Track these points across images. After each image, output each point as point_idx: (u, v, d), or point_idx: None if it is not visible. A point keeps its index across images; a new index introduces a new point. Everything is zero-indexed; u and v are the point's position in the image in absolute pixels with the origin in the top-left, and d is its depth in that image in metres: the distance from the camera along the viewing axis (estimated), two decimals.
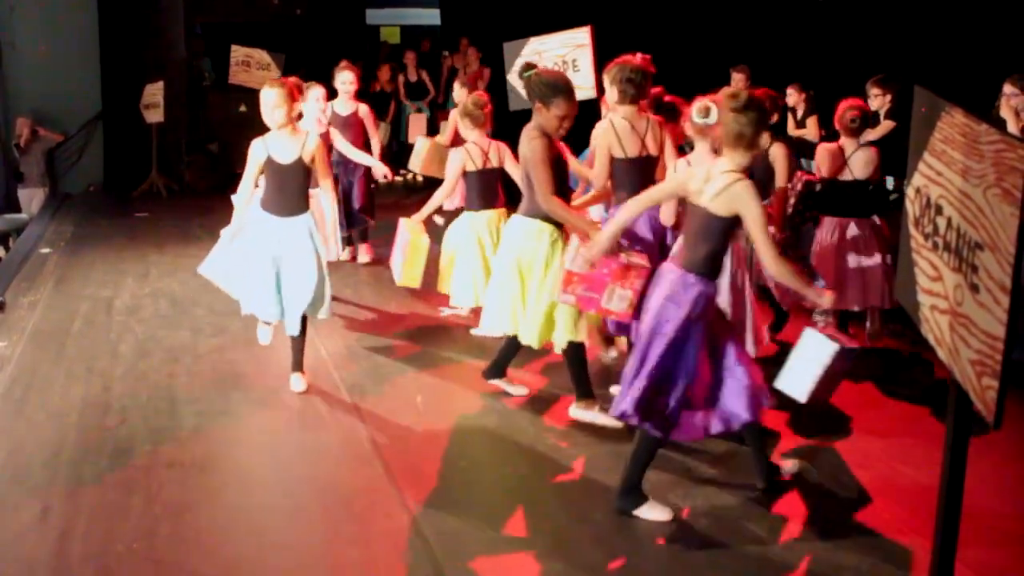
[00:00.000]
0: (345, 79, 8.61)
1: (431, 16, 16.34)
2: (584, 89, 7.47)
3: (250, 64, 11.79)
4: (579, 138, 6.22)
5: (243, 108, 12.80)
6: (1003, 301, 2.02)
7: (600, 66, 7.46)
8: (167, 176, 13.45)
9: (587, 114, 7.49)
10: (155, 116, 13.08)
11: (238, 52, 11.92)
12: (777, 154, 6.10)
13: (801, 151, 10.62)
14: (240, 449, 5.42)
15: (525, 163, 5.20)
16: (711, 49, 11.03)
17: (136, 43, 13.68)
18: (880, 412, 5.76)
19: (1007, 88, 7.23)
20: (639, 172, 5.57)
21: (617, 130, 5.60)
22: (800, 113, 10.76)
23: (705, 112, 5.12)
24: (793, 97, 10.78)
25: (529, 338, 5.42)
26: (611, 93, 5.73)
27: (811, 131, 10.55)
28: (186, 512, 4.57)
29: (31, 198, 13.21)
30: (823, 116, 10.85)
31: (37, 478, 4.89)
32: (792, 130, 10.82)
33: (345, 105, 8.68)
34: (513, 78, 7.79)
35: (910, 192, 2.73)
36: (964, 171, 2.29)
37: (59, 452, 5.18)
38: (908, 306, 2.73)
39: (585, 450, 5.16)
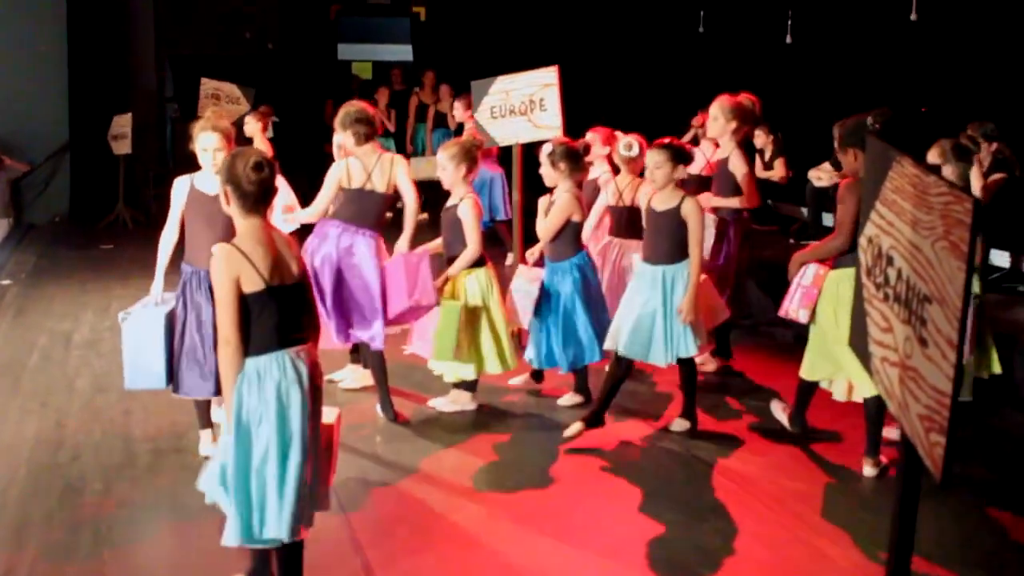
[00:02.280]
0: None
1: (403, 52, 16.39)
2: (551, 128, 7.49)
3: (220, 97, 11.74)
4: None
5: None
6: (950, 356, 1.99)
7: (566, 105, 7.52)
8: (134, 208, 13.34)
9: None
10: (123, 147, 12.99)
11: (208, 85, 11.88)
12: (689, 211, 5.71)
13: (768, 193, 10.70)
14: (194, 490, 5.32)
15: None
16: (679, 89, 11.10)
17: (106, 74, 13.62)
18: None
19: (969, 133, 7.30)
20: None
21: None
22: (768, 155, 10.84)
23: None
24: (761, 139, 10.85)
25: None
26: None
27: (778, 172, 10.63)
28: (135, 553, 4.48)
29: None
30: (791, 158, 10.94)
31: None
32: (760, 172, 10.86)
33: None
34: (481, 116, 7.79)
35: (863, 241, 2.71)
36: (914, 222, 2.28)
37: (7, 488, 5.09)
38: (860, 356, 2.71)
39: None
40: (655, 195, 5.81)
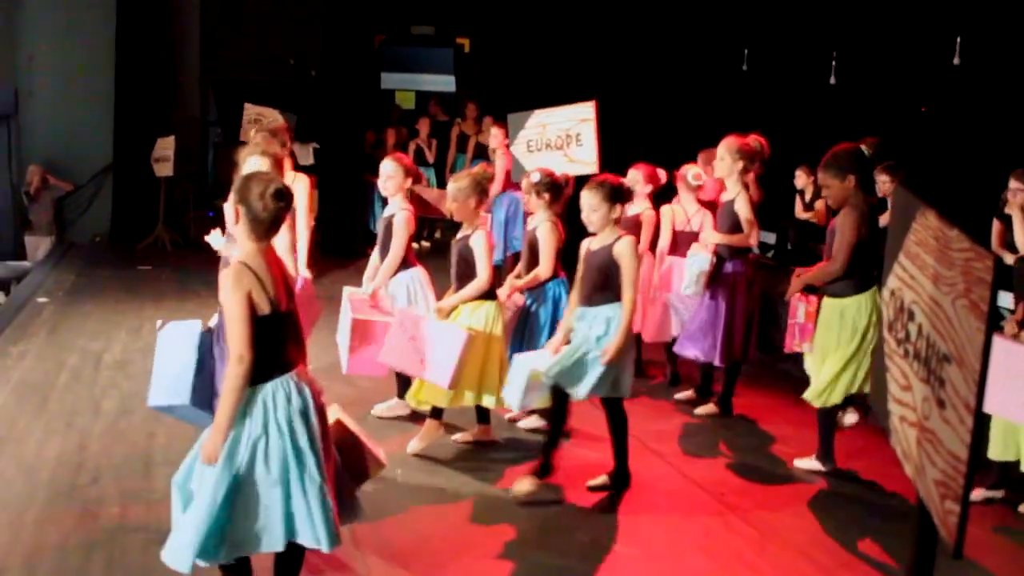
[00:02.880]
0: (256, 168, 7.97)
1: (446, 82, 16.43)
2: (587, 164, 7.45)
3: (261, 123, 11.81)
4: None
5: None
6: (967, 420, 1.90)
7: (606, 141, 7.49)
8: (173, 230, 13.44)
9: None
10: (165, 170, 13.11)
11: (250, 110, 11.98)
12: (621, 251, 5.47)
13: (809, 235, 10.55)
14: None
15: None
16: (721, 127, 10.96)
17: (151, 97, 13.77)
18: None
19: (1013, 183, 7.14)
20: None
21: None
22: (808, 196, 10.69)
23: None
24: (801, 179, 10.72)
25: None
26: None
27: (819, 215, 10.47)
28: None
29: (37, 246, 13.19)
30: None
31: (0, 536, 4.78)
32: (800, 213, 10.75)
33: None
34: (517, 150, 7.77)
35: (885, 294, 2.63)
36: (935, 277, 2.19)
37: (25, 511, 5.07)
38: (880, 414, 2.62)
39: None
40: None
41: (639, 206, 7.65)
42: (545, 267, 6.30)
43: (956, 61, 8.93)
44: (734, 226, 6.82)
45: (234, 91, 13.88)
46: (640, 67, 13.11)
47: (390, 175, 6.47)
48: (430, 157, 14.00)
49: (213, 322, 5.13)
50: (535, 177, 6.42)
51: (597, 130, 7.38)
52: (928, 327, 2.20)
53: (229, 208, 8.68)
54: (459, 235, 6.14)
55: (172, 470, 5.49)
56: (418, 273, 6.57)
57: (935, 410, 2.10)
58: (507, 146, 8.31)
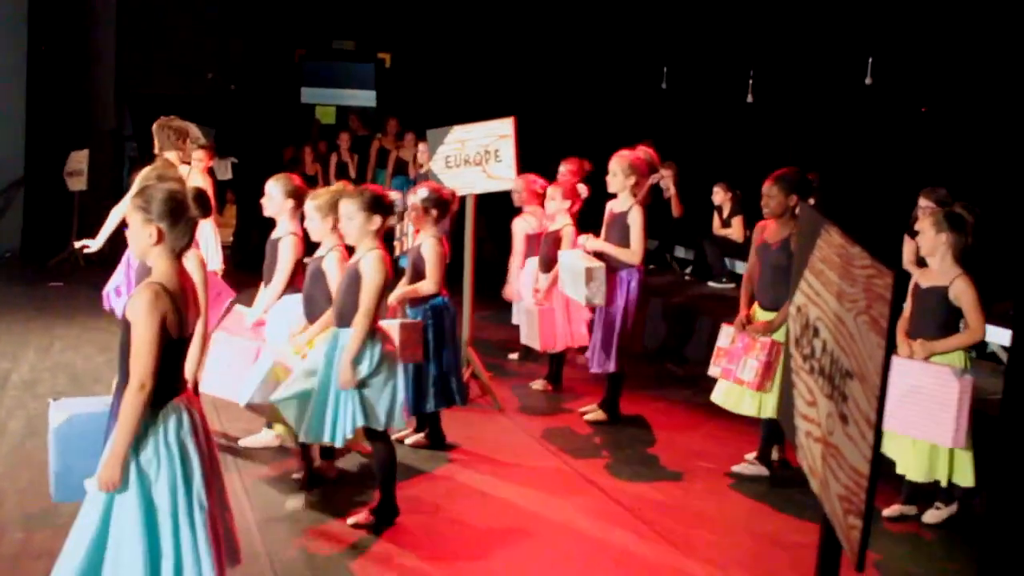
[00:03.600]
0: None
1: (367, 97, 16.34)
2: (505, 179, 7.47)
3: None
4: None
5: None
6: (868, 436, 1.91)
7: (526, 156, 7.51)
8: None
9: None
10: (78, 184, 12.82)
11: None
12: (367, 267, 5.05)
13: (725, 250, 10.69)
14: None
15: None
16: (638, 142, 11.07)
17: (64, 110, 13.46)
18: None
19: (922, 201, 7.30)
20: None
21: None
22: (726, 212, 10.81)
23: None
24: (719, 195, 10.84)
25: None
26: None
27: (736, 231, 10.59)
28: None
29: None
30: (749, 217, 10.93)
31: None
32: (717, 229, 10.87)
33: None
34: (436, 166, 7.74)
35: (792, 310, 2.64)
36: (839, 294, 2.21)
37: None
38: (787, 430, 2.63)
39: None
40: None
41: (560, 221, 7.70)
42: (429, 283, 6.20)
43: (868, 80, 9.11)
44: (623, 238, 6.91)
45: (151, 105, 13.63)
46: (561, 83, 13.18)
47: (269, 195, 6.05)
48: (352, 171, 13.90)
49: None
50: (422, 193, 6.36)
51: (516, 146, 7.38)
52: (832, 343, 2.22)
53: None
54: (318, 254, 5.67)
55: None
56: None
57: (839, 425, 2.11)
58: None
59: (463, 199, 7.42)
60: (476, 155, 7.53)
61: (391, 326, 5.74)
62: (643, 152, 7.15)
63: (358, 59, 16.34)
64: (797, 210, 5.96)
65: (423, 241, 6.29)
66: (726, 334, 6.22)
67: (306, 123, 15.24)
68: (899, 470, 5.48)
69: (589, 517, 5.58)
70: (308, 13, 14.88)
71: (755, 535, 5.45)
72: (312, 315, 5.59)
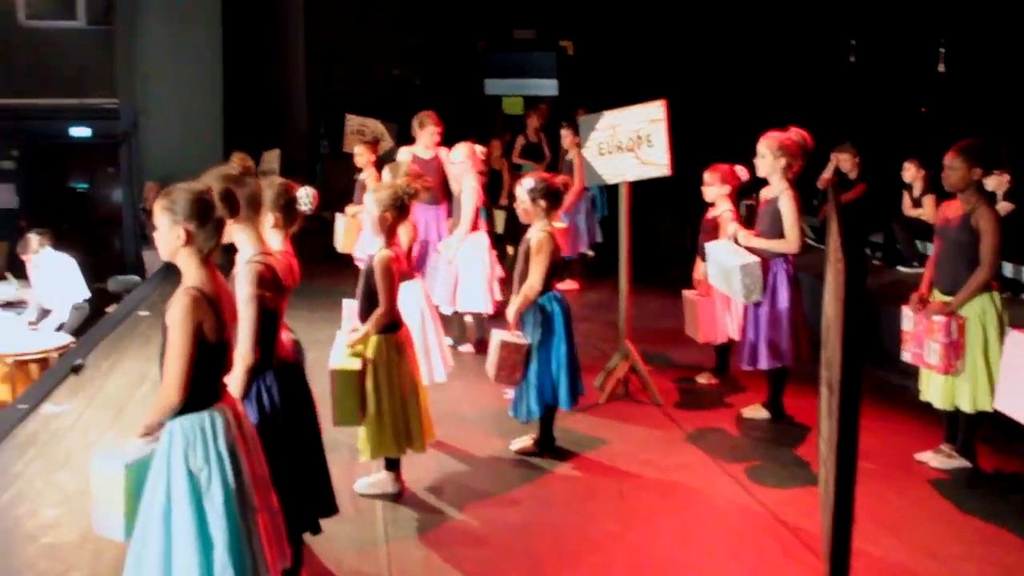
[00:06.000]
0: None
1: (549, 86, 16.26)
2: (658, 165, 7.18)
3: (364, 133, 11.93)
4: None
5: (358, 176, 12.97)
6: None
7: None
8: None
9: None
10: (290, 182, 13.31)
11: (352, 121, 12.13)
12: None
13: (916, 233, 10.01)
14: None
15: None
16: (813, 125, 10.56)
17: (259, 111, 14.05)
18: None
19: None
20: None
21: None
22: (917, 191, 10.13)
23: None
24: (910, 172, 10.17)
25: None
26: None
27: (928, 211, 9.89)
28: None
29: (154, 260, 13.59)
30: (943, 196, 10.21)
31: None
32: (907, 209, 10.20)
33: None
34: (589, 153, 7.54)
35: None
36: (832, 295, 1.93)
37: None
38: None
39: None
40: None
41: (719, 207, 7.39)
42: (533, 279, 5.92)
43: None
44: (776, 226, 6.48)
45: (338, 103, 14.05)
46: (746, 65, 12.72)
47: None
48: (547, 152, 13.54)
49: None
50: (528, 183, 6.07)
51: (668, 131, 7.09)
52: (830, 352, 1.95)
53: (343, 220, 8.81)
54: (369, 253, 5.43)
55: None
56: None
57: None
58: (577, 146, 8.12)
59: (610, 187, 7.21)
60: (628, 141, 7.29)
61: (494, 341, 5.63)
62: (795, 133, 6.71)
63: (540, 48, 16.30)
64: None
65: (532, 235, 6.03)
66: (907, 316, 5.86)
67: (490, 114, 15.30)
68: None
69: (728, 517, 5.31)
70: (488, 4, 14.95)
71: (910, 546, 5.01)
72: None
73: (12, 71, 15.85)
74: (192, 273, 3.46)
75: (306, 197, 4.92)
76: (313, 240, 13.65)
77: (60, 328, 10.64)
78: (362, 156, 9.85)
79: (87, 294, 11.30)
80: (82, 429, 6.62)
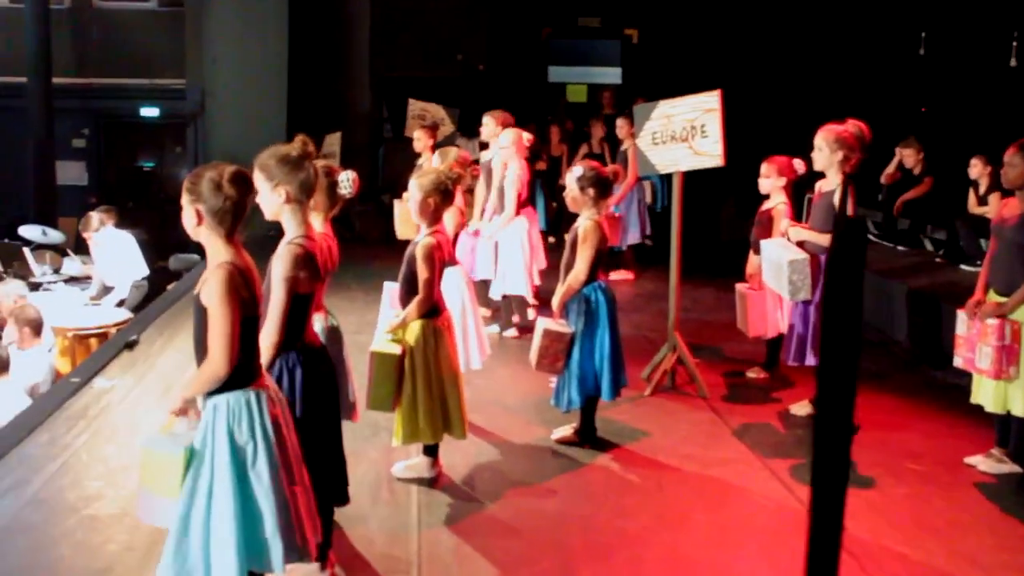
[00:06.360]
0: None
1: (613, 75, 16.13)
2: (712, 156, 7.08)
3: (424, 118, 11.97)
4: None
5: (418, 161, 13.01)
6: None
7: (737, 131, 7.08)
8: (339, 223, 13.73)
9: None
10: (332, 165, 13.40)
11: (415, 106, 12.18)
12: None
13: (981, 231, 9.75)
14: None
15: None
16: (880, 118, 10.35)
17: (323, 95, 14.14)
18: None
19: None
20: None
21: None
22: (983, 188, 9.87)
23: None
24: (977, 168, 9.91)
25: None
26: None
27: (993, 209, 9.62)
28: None
29: None
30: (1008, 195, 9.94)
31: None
32: (972, 207, 9.94)
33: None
34: (643, 142, 7.46)
35: None
36: None
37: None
38: None
39: None
40: None
41: (774, 199, 7.28)
42: (578, 268, 5.88)
43: None
44: (829, 220, 6.36)
45: (401, 88, 14.09)
46: (816, 54, 12.49)
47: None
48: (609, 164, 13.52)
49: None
50: (577, 171, 6.03)
51: (723, 121, 6.97)
52: None
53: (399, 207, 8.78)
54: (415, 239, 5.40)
55: None
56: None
57: None
58: (632, 136, 8.03)
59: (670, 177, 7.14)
60: (682, 131, 7.19)
61: (537, 329, 5.62)
62: (852, 125, 6.56)
63: (604, 36, 16.16)
64: None
65: (581, 224, 5.97)
66: (961, 320, 5.74)
67: (554, 102, 15.24)
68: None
69: (767, 515, 5.22)
70: None
71: (952, 552, 4.89)
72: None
73: (85, 51, 16.19)
74: (217, 250, 3.46)
75: (346, 181, 4.93)
76: (374, 224, 13.78)
77: (120, 304, 10.81)
78: (420, 141, 9.83)
79: (146, 272, 11.46)
80: (130, 405, 6.72)
